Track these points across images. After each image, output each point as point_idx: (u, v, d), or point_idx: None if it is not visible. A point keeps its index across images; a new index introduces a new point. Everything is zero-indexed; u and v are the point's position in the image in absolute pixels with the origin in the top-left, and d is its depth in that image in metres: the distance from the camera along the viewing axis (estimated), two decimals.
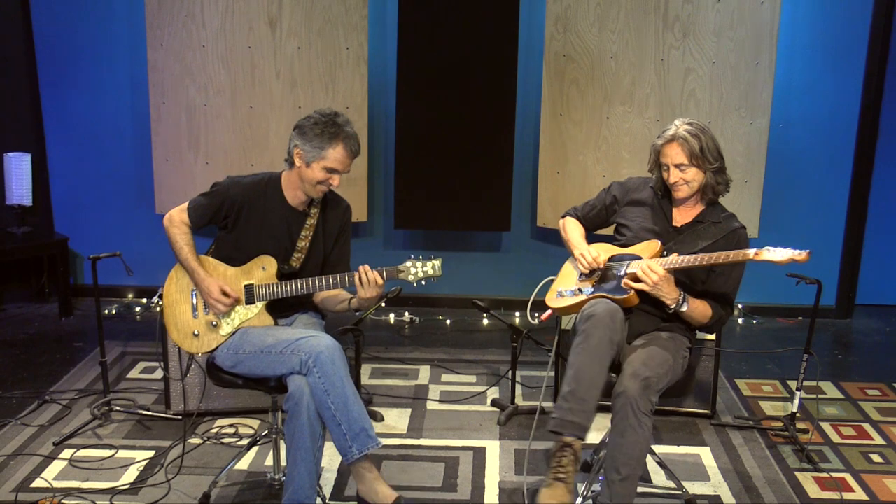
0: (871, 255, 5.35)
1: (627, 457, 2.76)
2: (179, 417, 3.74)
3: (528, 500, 3.16)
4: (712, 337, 3.80)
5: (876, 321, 5.34)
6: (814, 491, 3.32)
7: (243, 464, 3.43)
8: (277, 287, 2.98)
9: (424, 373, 4.40)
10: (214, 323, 3.00)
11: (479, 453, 3.57)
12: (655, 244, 3.01)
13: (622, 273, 2.97)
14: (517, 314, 5.14)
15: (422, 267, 2.95)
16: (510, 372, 3.97)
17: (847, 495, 3.31)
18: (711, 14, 4.68)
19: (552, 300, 3.13)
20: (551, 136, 4.92)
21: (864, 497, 3.30)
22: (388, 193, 5.17)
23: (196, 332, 3.01)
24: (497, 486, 3.32)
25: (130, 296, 5.36)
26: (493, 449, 3.61)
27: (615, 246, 3.13)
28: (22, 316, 5.15)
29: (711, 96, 4.77)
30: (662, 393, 2.89)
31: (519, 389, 4.10)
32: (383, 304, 4.65)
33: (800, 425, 3.76)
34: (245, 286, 3.01)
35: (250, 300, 3.00)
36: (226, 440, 3.63)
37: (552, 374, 3.95)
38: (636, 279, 2.89)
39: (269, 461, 3.35)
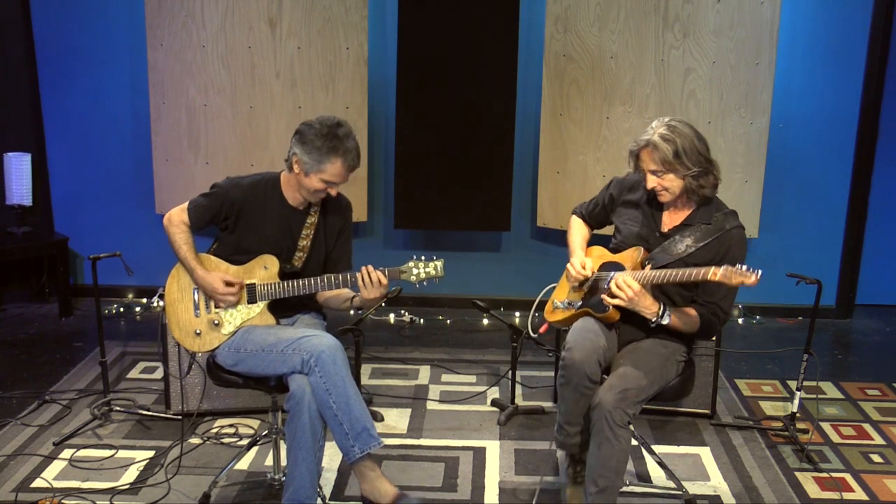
0: (871, 255, 5.35)
1: (604, 468, 2.76)
2: (179, 417, 3.74)
3: (536, 500, 3.17)
4: (712, 336, 3.80)
5: (876, 321, 5.34)
6: (814, 491, 3.32)
7: (243, 464, 3.43)
8: (279, 286, 2.97)
9: (424, 373, 4.40)
10: (216, 322, 2.99)
11: (479, 453, 3.57)
12: (637, 253, 2.93)
13: (607, 286, 2.91)
14: (517, 314, 5.15)
15: (424, 267, 2.94)
16: (510, 372, 3.97)
17: (847, 495, 3.31)
18: (711, 14, 4.68)
19: (549, 312, 3.12)
20: (551, 136, 4.92)
21: (864, 497, 3.30)
22: (388, 193, 5.17)
23: (198, 331, 3.01)
24: (497, 486, 3.32)
25: (130, 296, 5.36)
26: (493, 449, 3.61)
27: (608, 251, 3.09)
28: (22, 316, 5.15)
29: (711, 96, 4.77)
30: (662, 394, 2.89)
31: (519, 389, 4.10)
32: (383, 304, 4.65)
33: (800, 425, 3.76)
34: (247, 285, 3.00)
35: (252, 299, 3.00)
36: (226, 440, 3.63)
37: (552, 374, 3.95)
38: (613, 295, 2.84)
39: (269, 461, 3.35)
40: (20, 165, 5.04)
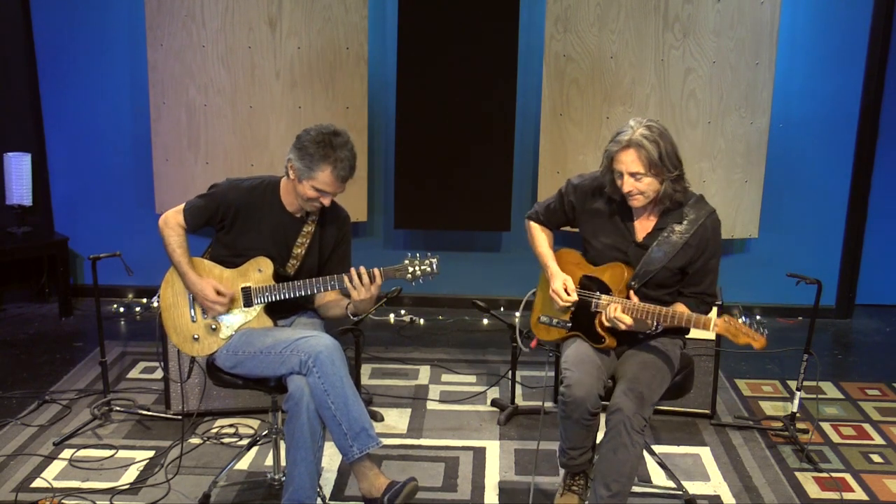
0: (871, 255, 5.35)
1: (618, 473, 2.75)
2: (179, 417, 3.74)
3: (533, 500, 3.16)
4: (712, 337, 3.80)
5: (876, 321, 5.34)
6: (814, 491, 3.32)
7: (243, 464, 3.43)
8: (274, 289, 2.96)
9: (424, 373, 4.40)
10: (214, 326, 2.99)
11: (479, 453, 3.57)
12: (622, 272, 2.88)
13: (594, 310, 2.87)
14: (517, 314, 5.14)
15: (419, 265, 2.94)
16: (510, 372, 3.97)
17: (847, 495, 3.31)
18: (711, 14, 4.68)
19: (536, 326, 3.09)
20: (551, 136, 4.92)
21: (864, 497, 3.30)
22: (388, 193, 5.17)
23: (196, 336, 3.00)
24: (497, 486, 3.32)
25: (130, 296, 5.36)
26: (493, 449, 3.61)
27: (586, 261, 3.00)
28: (22, 316, 5.15)
29: (711, 96, 4.77)
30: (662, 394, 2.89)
31: (519, 389, 4.10)
32: (384, 304, 4.64)
33: (800, 425, 3.76)
34: (242, 288, 3.00)
35: (248, 303, 3.00)
36: (226, 440, 3.63)
37: (552, 374, 3.94)
38: (609, 324, 2.81)
39: (269, 461, 3.35)
40: (20, 165, 5.04)
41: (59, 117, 5.20)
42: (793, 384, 3.93)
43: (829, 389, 4.28)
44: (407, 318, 5.21)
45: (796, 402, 3.71)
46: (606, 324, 2.83)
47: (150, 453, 3.51)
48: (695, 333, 3.21)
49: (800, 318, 5.27)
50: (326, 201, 2.92)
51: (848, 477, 3.44)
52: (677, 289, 2.92)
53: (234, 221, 3.00)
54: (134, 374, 4.32)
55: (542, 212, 3.12)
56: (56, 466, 3.41)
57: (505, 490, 3.29)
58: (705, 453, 3.59)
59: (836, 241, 5.26)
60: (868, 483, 3.40)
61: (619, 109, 4.82)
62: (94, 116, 5.17)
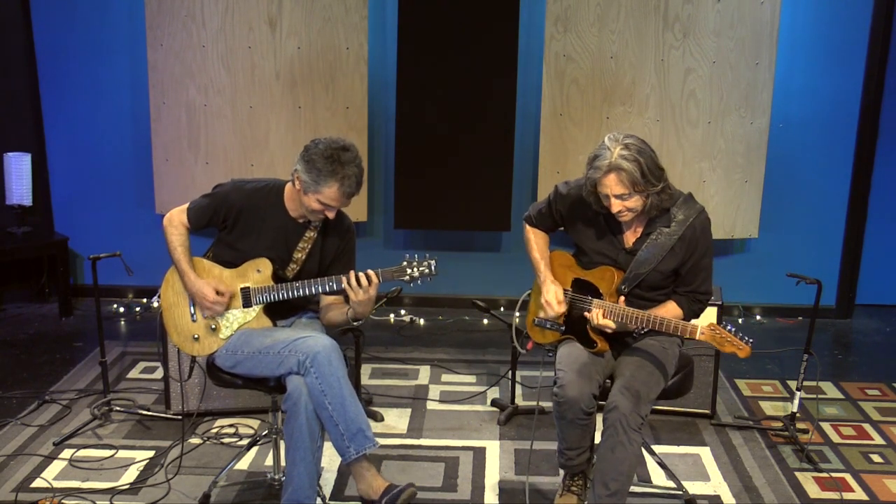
0: (871, 255, 5.35)
1: (617, 472, 2.75)
2: (179, 417, 3.74)
3: (533, 500, 3.16)
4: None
5: (876, 321, 5.34)
6: (814, 491, 3.32)
7: (243, 464, 3.43)
8: (273, 289, 2.96)
9: (424, 373, 4.40)
10: (213, 326, 2.99)
11: (479, 453, 3.57)
12: (612, 275, 2.88)
13: (586, 313, 2.87)
14: (517, 314, 5.14)
15: (418, 267, 2.93)
16: (510, 372, 3.97)
17: (847, 495, 3.31)
18: (711, 14, 4.68)
19: (531, 329, 3.10)
20: (551, 136, 4.92)
21: (864, 497, 3.30)
22: (388, 193, 5.17)
23: (196, 336, 3.01)
24: (497, 486, 3.32)
25: (130, 296, 5.36)
26: (493, 449, 3.61)
27: (577, 265, 3.01)
28: (22, 316, 5.15)
29: (711, 96, 4.77)
30: (661, 393, 2.89)
31: (519, 389, 4.10)
32: (383, 305, 4.64)
33: (800, 425, 3.76)
34: (241, 289, 3.00)
35: (247, 303, 3.00)
36: (226, 440, 3.63)
37: (548, 374, 3.94)
38: (595, 325, 2.83)
39: (269, 461, 3.35)
40: (20, 165, 5.04)
41: (59, 117, 5.20)
42: (793, 384, 3.93)
43: (829, 389, 4.28)
44: (407, 318, 5.21)
45: (796, 402, 3.70)
46: (597, 324, 2.84)
47: (150, 453, 3.51)
48: None
49: (800, 318, 5.26)
50: (331, 214, 2.92)
51: (848, 477, 3.44)
52: (672, 289, 2.92)
53: (236, 223, 3.00)
54: (134, 374, 4.32)
55: (535, 216, 3.12)
56: (56, 466, 3.41)
57: (505, 490, 3.29)
58: (705, 453, 3.59)
59: (836, 241, 5.26)
60: (868, 483, 3.40)
61: (619, 109, 4.82)
62: (94, 116, 5.17)
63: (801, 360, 3.67)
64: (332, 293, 3.01)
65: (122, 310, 5.22)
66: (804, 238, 5.22)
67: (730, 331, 2.64)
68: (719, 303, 3.73)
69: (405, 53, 4.84)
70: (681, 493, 3.21)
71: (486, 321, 5.15)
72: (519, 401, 4.00)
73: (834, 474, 3.45)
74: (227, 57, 4.82)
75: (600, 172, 2.72)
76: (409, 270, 2.92)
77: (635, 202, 2.75)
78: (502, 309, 5.19)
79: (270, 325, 3.02)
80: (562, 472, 3.07)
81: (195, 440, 3.61)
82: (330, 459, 3.34)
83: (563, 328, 2.97)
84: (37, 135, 5.21)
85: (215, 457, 3.49)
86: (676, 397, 3.05)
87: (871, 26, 4.94)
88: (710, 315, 3.76)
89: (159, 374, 4.19)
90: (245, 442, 3.58)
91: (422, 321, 5.19)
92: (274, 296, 2.96)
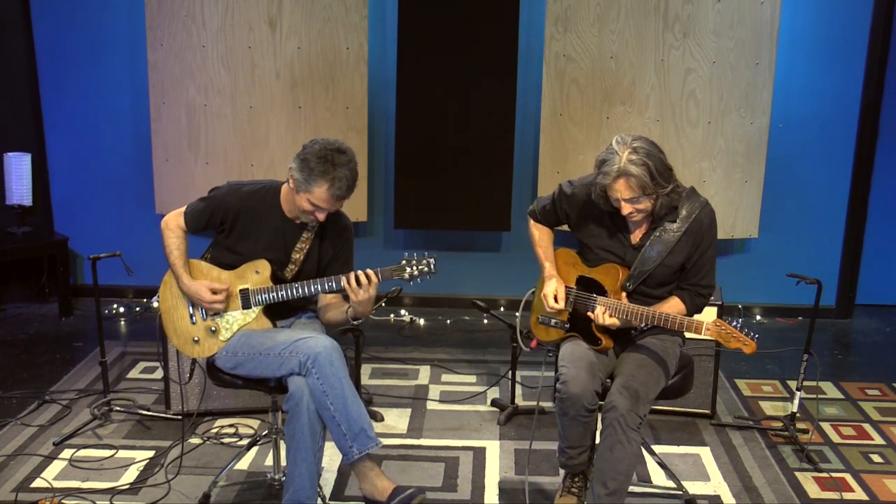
0: (871, 255, 5.35)
1: (615, 472, 2.75)
2: (179, 417, 3.74)
3: (533, 499, 3.16)
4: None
5: (876, 321, 5.34)
6: (814, 491, 3.32)
7: (243, 464, 3.43)
8: (272, 291, 2.96)
9: (424, 373, 4.40)
10: (213, 328, 2.99)
11: (479, 453, 3.57)
12: (616, 272, 2.88)
13: (590, 312, 2.88)
14: (517, 314, 5.14)
15: (417, 265, 2.93)
16: (510, 372, 3.97)
17: (847, 495, 3.31)
18: (711, 14, 4.68)
19: (535, 326, 3.10)
20: (551, 136, 4.92)
21: (864, 497, 3.30)
22: (388, 193, 5.17)
23: (196, 338, 3.00)
24: (497, 486, 3.32)
25: (130, 296, 5.36)
26: (493, 449, 3.61)
27: (582, 262, 3.01)
28: (22, 316, 5.15)
29: (711, 96, 4.77)
30: (661, 393, 2.89)
31: (519, 389, 4.10)
32: (383, 304, 4.64)
33: (800, 425, 3.76)
34: (240, 290, 3.00)
35: (247, 305, 2.99)
36: (226, 440, 3.63)
37: (549, 374, 3.94)
38: (600, 324, 2.84)
39: (269, 461, 3.35)
40: (20, 165, 5.04)
41: (59, 117, 5.20)
42: (793, 384, 3.93)
43: (829, 389, 4.28)
44: (407, 318, 5.21)
45: (796, 402, 3.71)
46: (601, 323, 2.85)
47: (150, 453, 3.51)
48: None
49: (800, 318, 5.26)
50: (321, 216, 2.90)
51: (848, 477, 3.44)
52: (677, 285, 2.92)
53: (234, 226, 2.99)
54: (134, 374, 4.32)
55: (540, 211, 3.13)
56: (56, 466, 3.41)
57: (505, 490, 3.29)
58: (705, 453, 3.59)
59: (836, 241, 5.26)
60: (868, 483, 3.40)
61: (619, 109, 4.82)
62: (94, 116, 5.17)
63: (801, 360, 3.67)
64: (331, 293, 3.00)
65: (122, 310, 5.22)
66: (804, 238, 5.22)
67: (735, 326, 2.64)
68: (719, 303, 3.73)
69: (405, 53, 4.84)
70: (681, 493, 3.21)
71: (486, 321, 5.15)
72: (519, 401, 4.00)
73: (834, 474, 3.45)
74: (227, 57, 4.82)
75: (609, 178, 2.72)
76: (408, 269, 2.92)
77: (645, 204, 2.77)
78: (502, 309, 5.19)
79: (270, 325, 3.02)
80: (562, 472, 3.07)
81: (195, 440, 3.61)
82: (330, 459, 3.35)
83: (568, 325, 2.97)
84: (37, 135, 5.21)
85: (215, 457, 3.49)
86: (676, 397, 3.05)
87: (871, 26, 4.94)
88: (709, 315, 3.76)
89: (159, 374, 4.19)
90: (245, 442, 3.58)
91: (422, 321, 5.19)
92: (273, 297, 2.96)
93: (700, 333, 2.69)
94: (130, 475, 3.35)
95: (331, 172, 2.80)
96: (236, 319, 2.99)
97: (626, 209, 2.77)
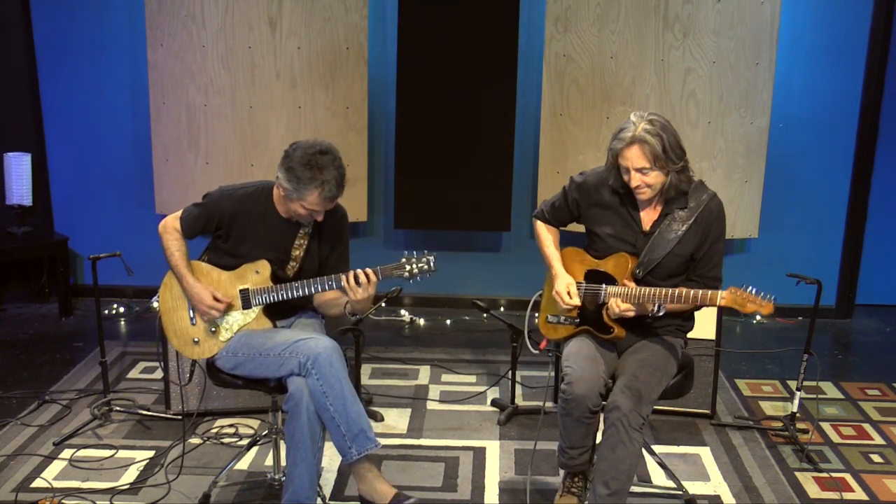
0: (871, 255, 5.35)
1: (617, 472, 2.75)
2: (179, 417, 3.74)
3: (533, 500, 3.16)
4: (712, 337, 3.80)
5: (876, 321, 5.34)
6: (814, 491, 3.32)
7: (243, 464, 3.43)
8: (272, 290, 2.96)
9: (424, 373, 4.40)
10: (213, 329, 2.99)
11: (479, 453, 3.57)
12: (626, 261, 2.89)
13: (601, 301, 2.89)
14: (517, 314, 5.14)
15: (416, 263, 2.93)
16: (510, 372, 3.97)
17: (847, 495, 3.31)
18: (711, 14, 4.68)
19: (544, 326, 3.09)
20: (551, 136, 4.92)
21: (864, 497, 3.30)
22: (388, 193, 5.17)
23: (196, 339, 3.00)
24: (497, 486, 3.32)
25: (130, 296, 5.35)
26: (493, 449, 3.61)
27: (590, 256, 3.02)
28: (22, 316, 5.15)
29: (711, 96, 4.77)
30: (661, 394, 2.88)
31: (519, 389, 4.10)
32: (383, 304, 4.64)
33: (800, 425, 3.76)
34: (240, 290, 3.00)
35: (247, 305, 2.99)
36: (226, 440, 3.63)
37: (552, 374, 3.94)
38: (616, 314, 2.84)
39: (269, 461, 3.35)
40: (20, 165, 5.04)
41: (59, 117, 5.20)
42: (793, 384, 3.93)
43: (829, 389, 4.28)
44: (407, 318, 5.21)
45: (796, 402, 3.71)
46: (613, 315, 2.85)
47: (150, 453, 3.51)
48: (695, 333, 3.21)
49: (800, 318, 5.26)
50: (319, 217, 2.91)
51: (848, 477, 3.44)
52: (686, 276, 2.93)
53: (231, 230, 2.99)
54: (134, 374, 4.32)
55: (548, 210, 3.14)
56: (56, 466, 3.41)
57: (505, 490, 3.29)
58: (705, 453, 3.59)
59: (836, 241, 5.26)
60: (868, 483, 3.40)
61: (619, 109, 4.81)
62: (94, 116, 5.17)
63: (801, 360, 3.67)
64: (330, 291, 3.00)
65: (122, 310, 5.22)
66: (804, 238, 5.22)
67: (750, 291, 2.65)
68: None
69: (405, 53, 4.84)
70: (681, 493, 3.21)
71: (486, 321, 5.15)
72: (519, 401, 4.00)
73: (834, 474, 3.45)
74: (227, 57, 4.82)
75: (623, 143, 2.77)
76: (408, 267, 2.92)
77: (655, 178, 2.79)
78: (502, 309, 5.19)
79: (270, 326, 3.02)
80: (562, 472, 3.07)
81: (195, 440, 3.61)
82: (330, 459, 3.35)
83: (578, 321, 2.97)
84: (37, 135, 5.21)
85: (215, 457, 3.49)
86: (677, 397, 3.05)
87: (871, 26, 4.94)
88: (709, 314, 3.77)
89: (159, 374, 4.19)
90: (245, 442, 3.58)
91: (422, 321, 5.19)
92: (273, 296, 2.96)
93: (716, 304, 2.71)
94: (130, 475, 3.35)
95: (318, 177, 2.79)
96: (236, 320, 2.99)
97: (635, 180, 2.79)
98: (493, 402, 4.04)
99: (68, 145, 5.24)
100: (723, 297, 2.69)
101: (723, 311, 3.74)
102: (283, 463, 2.97)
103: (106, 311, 5.08)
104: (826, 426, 3.87)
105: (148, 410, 3.84)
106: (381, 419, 3.85)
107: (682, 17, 4.69)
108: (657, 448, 3.49)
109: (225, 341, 2.98)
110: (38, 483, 3.29)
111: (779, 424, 3.79)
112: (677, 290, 2.77)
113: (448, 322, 5.18)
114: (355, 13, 4.79)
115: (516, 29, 4.80)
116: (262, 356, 2.87)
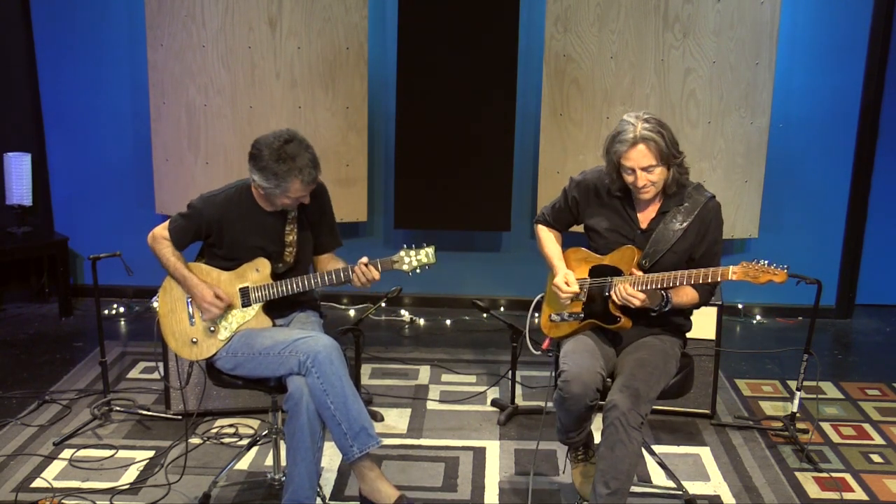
0: (871, 255, 5.35)
1: (617, 471, 2.75)
2: (179, 417, 3.74)
3: (532, 500, 3.16)
4: (712, 337, 3.80)
5: (876, 321, 5.34)
6: (814, 491, 3.32)
7: (243, 464, 3.43)
8: (272, 287, 2.97)
9: (424, 373, 4.40)
10: (212, 328, 2.99)
11: (479, 453, 3.57)
12: (632, 253, 2.89)
13: (607, 294, 2.88)
14: (517, 314, 5.14)
15: (415, 255, 2.93)
16: (510, 372, 3.97)
17: (847, 495, 3.31)
18: (711, 14, 4.68)
19: (547, 326, 3.08)
20: (551, 136, 4.92)
21: (864, 497, 3.30)
22: (388, 193, 5.17)
23: (194, 340, 3.00)
24: (497, 486, 3.32)
25: (130, 296, 5.35)
26: (493, 449, 3.61)
27: (592, 253, 3.02)
28: (22, 316, 5.15)
29: (711, 96, 4.77)
30: (661, 393, 2.88)
31: (519, 389, 4.10)
32: (383, 304, 4.64)
33: (800, 425, 3.76)
34: (240, 289, 3.00)
35: (246, 303, 3.00)
36: (226, 440, 3.63)
37: (554, 374, 3.94)
38: (622, 304, 2.83)
39: (269, 461, 3.35)
40: (20, 165, 5.04)
41: (59, 117, 5.20)
42: (793, 384, 3.93)
43: (829, 389, 4.28)
44: (407, 318, 5.21)
45: (796, 402, 3.71)
46: (619, 302, 2.84)
47: (150, 453, 3.52)
48: (695, 333, 3.21)
49: (800, 318, 5.26)
50: (306, 200, 2.95)
51: (848, 477, 3.44)
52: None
53: (221, 235, 3.00)
54: (134, 374, 4.32)
55: (549, 212, 3.15)
56: (56, 466, 3.41)
57: (505, 490, 3.29)
58: (705, 453, 3.60)
59: (836, 241, 5.26)
60: (868, 483, 3.40)
61: (619, 109, 4.81)
62: (94, 116, 5.17)
63: (801, 360, 3.67)
64: (329, 286, 3.00)
65: (121, 310, 5.22)
66: (804, 238, 5.21)
67: (762, 263, 2.66)
68: (719, 303, 3.73)
69: (405, 53, 4.84)
70: (681, 493, 3.21)
71: (486, 321, 5.14)
72: (519, 401, 4.00)
73: (834, 474, 3.45)
74: (227, 57, 4.82)
75: (626, 145, 2.77)
76: (407, 259, 2.92)
77: (659, 174, 2.80)
78: (502, 309, 5.19)
79: (270, 324, 3.02)
80: (566, 461, 3.10)
81: (195, 440, 3.61)
82: (330, 459, 3.35)
83: (583, 315, 2.96)
84: (37, 135, 5.21)
85: (215, 457, 3.49)
86: (676, 397, 3.05)
87: (871, 26, 4.94)
88: (709, 314, 3.77)
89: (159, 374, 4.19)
90: (245, 442, 3.58)
91: (422, 321, 5.19)
92: (273, 293, 2.97)
93: (727, 278, 2.71)
94: (130, 475, 3.36)
95: (294, 166, 2.82)
96: (235, 318, 3.00)
97: (641, 180, 2.80)
98: (493, 402, 4.04)
99: (68, 145, 5.24)
100: (734, 271, 2.70)
101: (723, 310, 3.73)
102: (283, 463, 2.97)
103: (106, 311, 5.08)
104: (826, 426, 3.87)
105: (148, 410, 3.84)
106: (381, 419, 3.85)
107: (682, 17, 4.69)
108: (657, 448, 3.49)
109: (224, 340, 2.98)
110: (38, 483, 3.29)
111: (779, 424, 3.79)
112: (687, 272, 2.77)
113: (448, 322, 5.18)
114: (355, 13, 4.79)
115: (516, 29, 4.80)
116: (261, 356, 2.87)
